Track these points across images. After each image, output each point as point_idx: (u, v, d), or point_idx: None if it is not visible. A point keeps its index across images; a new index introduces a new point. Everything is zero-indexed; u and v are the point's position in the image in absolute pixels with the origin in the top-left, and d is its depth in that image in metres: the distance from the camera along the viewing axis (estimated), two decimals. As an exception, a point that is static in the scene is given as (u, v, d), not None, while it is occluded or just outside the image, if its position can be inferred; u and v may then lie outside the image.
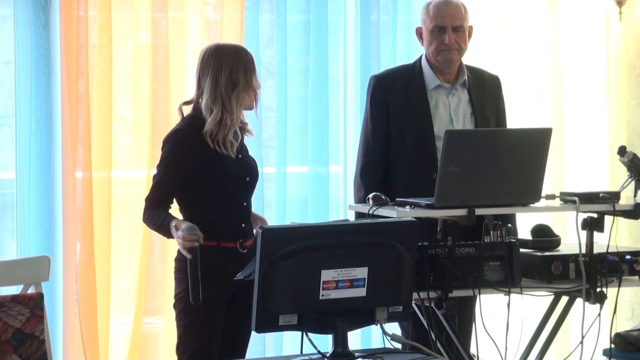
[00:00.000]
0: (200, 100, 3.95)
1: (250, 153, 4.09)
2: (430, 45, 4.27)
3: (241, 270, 3.80)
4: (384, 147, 4.29)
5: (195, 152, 3.87)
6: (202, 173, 3.87)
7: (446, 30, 4.23)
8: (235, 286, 3.86)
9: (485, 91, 4.38)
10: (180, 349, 3.92)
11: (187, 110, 4.02)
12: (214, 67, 3.90)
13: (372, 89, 4.34)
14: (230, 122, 3.89)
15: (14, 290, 3.97)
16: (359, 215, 4.09)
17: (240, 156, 3.97)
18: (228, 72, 3.89)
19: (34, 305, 3.62)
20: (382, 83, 4.33)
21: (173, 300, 3.96)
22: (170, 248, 4.94)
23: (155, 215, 3.85)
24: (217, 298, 3.88)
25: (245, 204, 3.97)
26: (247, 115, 4.08)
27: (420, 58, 4.36)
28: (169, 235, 3.82)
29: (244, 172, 3.97)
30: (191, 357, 3.88)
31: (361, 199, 4.24)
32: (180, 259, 3.89)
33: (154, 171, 3.96)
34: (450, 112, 4.30)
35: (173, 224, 3.78)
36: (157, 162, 3.95)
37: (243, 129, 4.03)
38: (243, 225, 3.95)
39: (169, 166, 3.89)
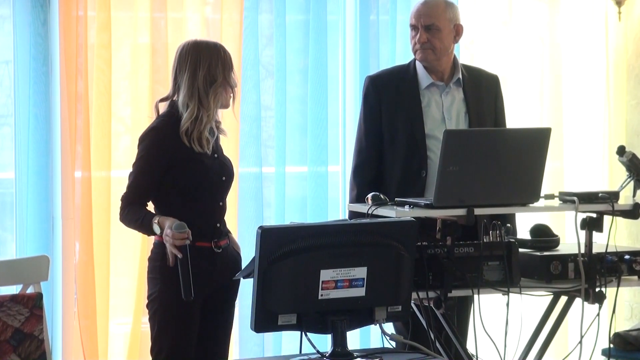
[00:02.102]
0: (175, 97, 3.91)
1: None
2: (411, 44, 4.30)
3: (216, 269, 3.80)
4: (377, 147, 4.30)
5: (172, 150, 3.83)
6: (178, 171, 3.84)
7: (418, 28, 4.23)
8: (211, 286, 3.85)
9: (481, 90, 4.37)
10: (155, 349, 3.88)
11: (164, 107, 3.98)
12: (192, 63, 3.86)
13: (365, 89, 4.36)
14: (207, 118, 3.85)
15: (13, 290, 3.97)
16: (353, 215, 4.09)
17: (216, 155, 3.93)
18: (206, 68, 3.85)
19: (33, 305, 3.62)
20: (375, 83, 4.34)
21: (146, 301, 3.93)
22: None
23: (135, 213, 3.82)
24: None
25: (221, 203, 3.94)
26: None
27: (415, 58, 4.36)
28: (150, 232, 3.79)
29: (221, 172, 3.94)
30: (166, 358, 3.84)
31: (353, 199, 4.27)
32: (154, 259, 3.86)
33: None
34: (443, 111, 4.29)
35: (155, 220, 3.75)
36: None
37: (217, 127, 3.98)
38: (218, 225, 3.91)
39: (146, 164, 3.85)
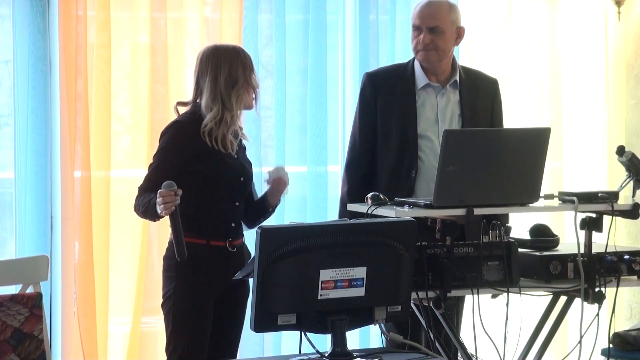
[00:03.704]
0: (198, 100, 3.95)
1: (249, 152, 4.09)
2: (412, 44, 4.30)
3: (230, 269, 3.81)
4: (370, 144, 4.32)
5: (193, 145, 3.87)
6: (197, 167, 3.87)
7: (422, 30, 4.24)
8: (224, 285, 3.87)
9: (478, 93, 4.37)
10: (170, 347, 3.91)
11: (184, 110, 4.02)
12: (213, 66, 3.91)
13: (362, 86, 4.39)
14: (230, 119, 3.90)
15: (12, 289, 3.97)
16: (344, 209, 4.10)
17: (236, 156, 3.97)
18: (227, 70, 3.90)
19: (32, 305, 3.62)
20: (372, 80, 4.36)
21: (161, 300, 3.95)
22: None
23: (144, 199, 3.83)
24: (206, 296, 3.87)
25: (237, 203, 3.97)
26: (246, 116, 4.07)
27: (414, 57, 4.36)
28: (155, 215, 3.78)
29: (239, 172, 3.97)
30: (181, 356, 3.87)
31: (344, 194, 4.31)
32: (169, 257, 3.88)
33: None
34: (437, 113, 4.30)
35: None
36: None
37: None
38: (233, 224, 3.94)
39: (166, 155, 3.89)
